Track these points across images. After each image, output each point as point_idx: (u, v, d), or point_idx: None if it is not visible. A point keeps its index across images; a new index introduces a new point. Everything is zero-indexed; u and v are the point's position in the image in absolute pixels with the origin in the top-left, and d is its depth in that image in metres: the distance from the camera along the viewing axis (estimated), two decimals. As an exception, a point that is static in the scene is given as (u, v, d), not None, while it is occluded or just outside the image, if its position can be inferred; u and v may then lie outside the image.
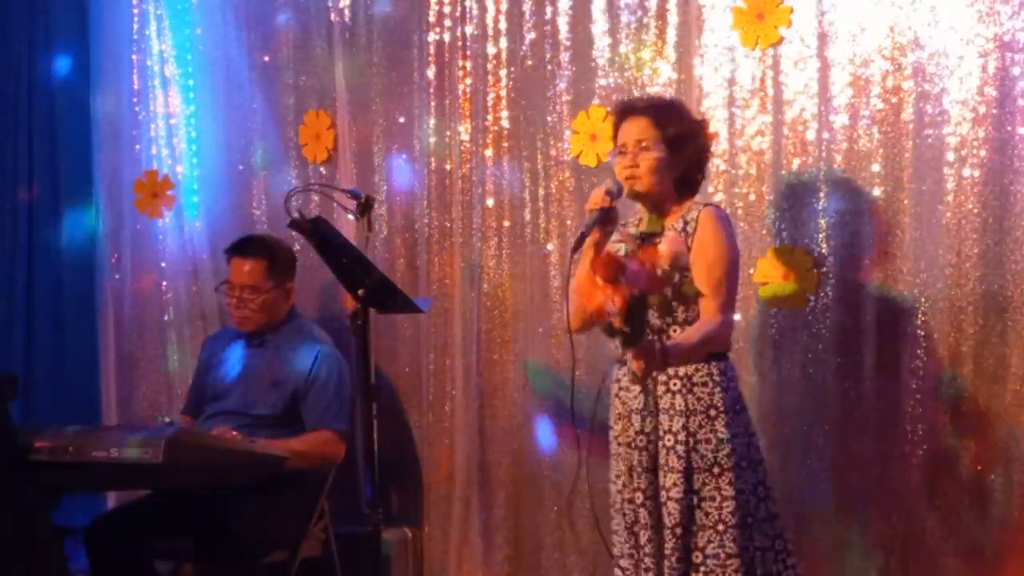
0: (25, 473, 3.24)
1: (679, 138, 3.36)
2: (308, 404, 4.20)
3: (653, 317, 3.19)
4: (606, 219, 3.30)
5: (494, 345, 4.54)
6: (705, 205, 3.40)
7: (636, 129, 3.36)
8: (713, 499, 3.23)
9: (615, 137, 3.46)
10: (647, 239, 3.30)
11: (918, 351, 3.79)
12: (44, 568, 3.26)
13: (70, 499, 3.58)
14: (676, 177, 3.39)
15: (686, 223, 3.35)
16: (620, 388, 3.39)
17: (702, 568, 3.22)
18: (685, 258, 3.25)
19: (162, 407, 5.17)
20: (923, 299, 3.79)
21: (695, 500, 3.23)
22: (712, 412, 3.26)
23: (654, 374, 3.17)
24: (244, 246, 4.35)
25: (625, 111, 3.44)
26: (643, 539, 3.29)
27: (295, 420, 4.21)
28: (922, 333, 3.78)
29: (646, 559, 3.28)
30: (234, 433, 3.94)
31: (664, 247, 3.12)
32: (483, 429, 4.55)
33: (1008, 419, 3.69)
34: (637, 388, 3.31)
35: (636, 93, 4.20)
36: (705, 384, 3.27)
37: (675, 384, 3.28)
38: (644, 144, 3.33)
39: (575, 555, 4.38)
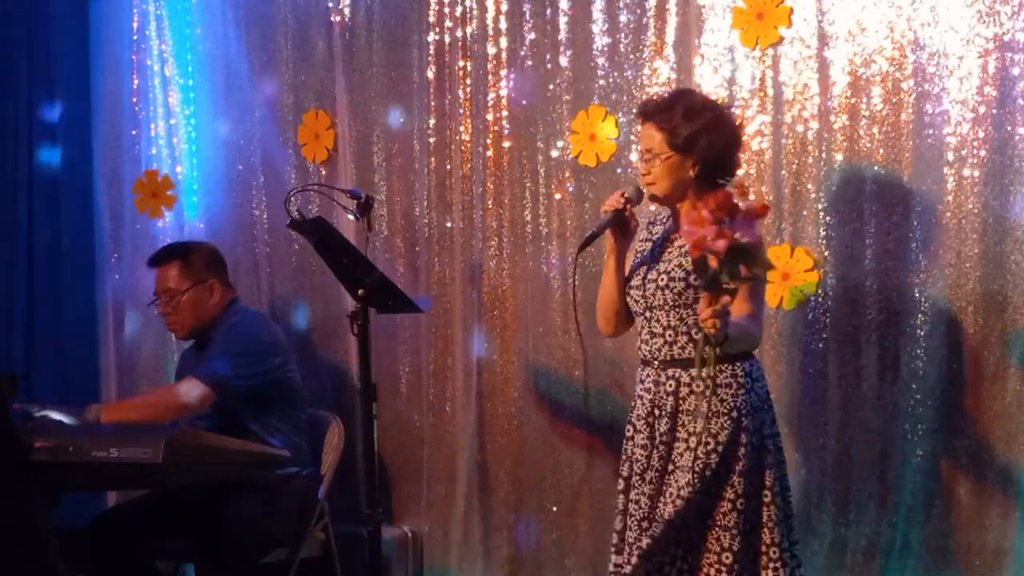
0: (25, 473, 3.23)
1: (688, 138, 3.24)
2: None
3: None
4: (621, 222, 3.30)
5: (494, 345, 4.54)
6: None
7: (645, 136, 3.33)
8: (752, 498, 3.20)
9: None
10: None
11: (918, 351, 3.80)
12: (45, 568, 3.26)
13: (70, 499, 3.57)
14: (696, 173, 3.25)
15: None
16: (644, 389, 3.33)
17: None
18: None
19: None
20: (923, 299, 3.79)
21: (739, 503, 3.18)
22: (735, 414, 3.18)
23: (706, 370, 3.03)
24: (157, 255, 4.37)
25: (638, 115, 3.40)
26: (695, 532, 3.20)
27: (270, 399, 4.15)
28: (922, 333, 3.79)
29: (689, 555, 3.21)
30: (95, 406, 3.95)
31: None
32: (483, 429, 4.55)
33: (1008, 419, 3.69)
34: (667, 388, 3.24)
35: (636, 93, 4.21)
36: (729, 385, 3.20)
37: (698, 385, 3.20)
38: (652, 151, 3.29)
39: (575, 555, 4.38)
